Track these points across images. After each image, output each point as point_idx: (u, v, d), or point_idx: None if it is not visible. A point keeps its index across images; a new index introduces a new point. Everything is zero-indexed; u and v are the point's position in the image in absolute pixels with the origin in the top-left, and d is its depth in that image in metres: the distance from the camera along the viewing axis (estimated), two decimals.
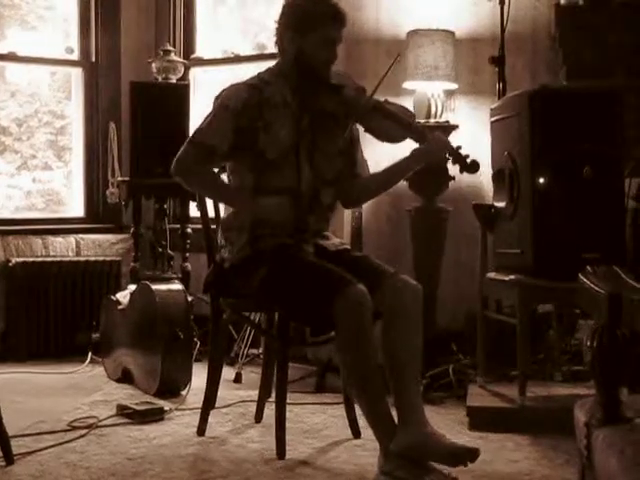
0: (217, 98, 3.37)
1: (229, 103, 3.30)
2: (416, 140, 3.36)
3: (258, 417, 3.77)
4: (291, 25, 3.33)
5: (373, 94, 3.33)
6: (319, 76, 3.32)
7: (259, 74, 3.41)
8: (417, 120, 4.57)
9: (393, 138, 3.40)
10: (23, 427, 3.58)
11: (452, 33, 4.62)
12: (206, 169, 3.35)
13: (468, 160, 3.29)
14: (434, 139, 3.34)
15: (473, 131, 4.72)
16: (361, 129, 3.46)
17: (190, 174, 3.34)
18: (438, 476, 2.92)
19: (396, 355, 3.10)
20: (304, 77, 3.33)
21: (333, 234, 3.53)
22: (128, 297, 4.59)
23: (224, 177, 3.49)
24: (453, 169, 4.29)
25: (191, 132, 3.42)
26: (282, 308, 3.30)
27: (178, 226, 5.24)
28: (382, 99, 3.38)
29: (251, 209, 3.30)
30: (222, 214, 3.55)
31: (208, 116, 3.34)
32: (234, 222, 3.39)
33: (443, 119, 4.66)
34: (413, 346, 3.11)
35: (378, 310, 3.13)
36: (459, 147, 3.31)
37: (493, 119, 4.08)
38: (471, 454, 2.92)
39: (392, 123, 3.33)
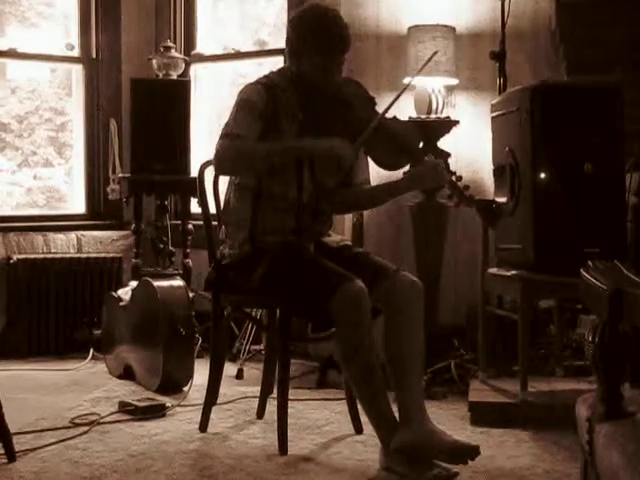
0: (238, 97, 3.31)
1: (253, 99, 3.26)
2: (415, 165, 3.30)
3: (260, 413, 3.77)
4: (296, 41, 3.30)
5: (384, 113, 3.26)
6: (322, 94, 3.29)
7: (271, 75, 3.38)
8: (418, 117, 4.61)
9: (390, 166, 3.35)
10: (25, 424, 3.58)
11: (452, 28, 4.62)
12: (249, 146, 3.21)
13: (466, 193, 3.23)
14: (432, 167, 3.25)
15: (474, 127, 4.73)
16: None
17: (236, 158, 3.23)
18: (439, 472, 2.93)
19: (398, 352, 3.11)
20: (309, 93, 3.31)
21: (334, 230, 3.53)
22: (129, 294, 4.59)
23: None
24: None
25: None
26: (282, 305, 3.30)
27: (179, 222, 5.24)
28: (392, 116, 3.33)
29: (307, 146, 3.24)
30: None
31: (233, 113, 3.27)
32: (233, 217, 3.39)
33: (444, 115, 4.65)
34: (415, 343, 3.12)
35: (379, 307, 3.14)
36: (459, 178, 3.24)
37: (494, 114, 4.08)
38: (472, 452, 2.93)
39: (394, 150, 3.27)
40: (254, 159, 3.25)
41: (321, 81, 3.28)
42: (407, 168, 3.42)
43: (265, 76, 3.38)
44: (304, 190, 3.31)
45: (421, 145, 3.35)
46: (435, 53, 3.37)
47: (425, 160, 3.28)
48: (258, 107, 3.24)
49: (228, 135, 3.22)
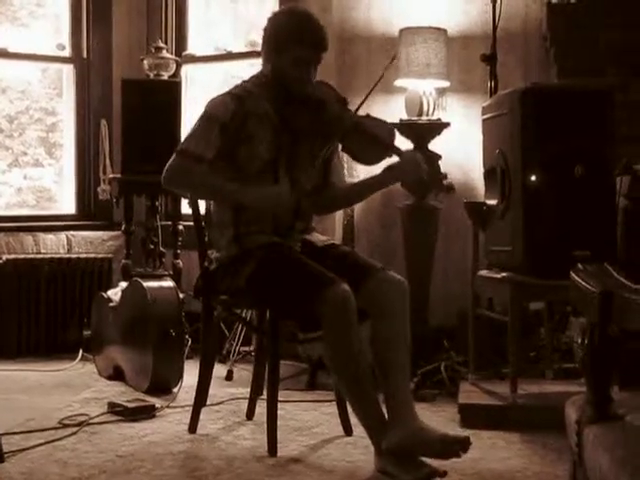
0: (204, 109, 3.36)
1: (216, 113, 3.29)
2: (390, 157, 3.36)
3: (249, 414, 3.77)
4: (269, 41, 3.36)
5: (357, 110, 3.33)
6: (295, 94, 3.32)
7: (243, 83, 3.41)
8: (409, 119, 4.62)
9: (369, 161, 3.40)
10: (13, 425, 3.57)
11: (444, 31, 4.62)
12: (201, 172, 3.27)
13: (445, 182, 3.30)
14: (410, 159, 3.30)
15: (465, 129, 4.73)
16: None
17: (185, 183, 3.32)
18: (428, 471, 2.92)
19: (384, 351, 3.11)
20: (283, 94, 3.34)
21: (325, 232, 3.54)
22: (119, 294, 4.58)
23: None
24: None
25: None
26: (269, 306, 3.32)
27: (170, 223, 5.23)
28: (365, 113, 3.38)
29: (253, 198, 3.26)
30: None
31: (195, 125, 3.33)
32: (215, 221, 3.42)
33: (435, 117, 4.66)
34: (401, 341, 3.12)
35: (365, 306, 3.14)
36: (444, 176, 3.32)
37: (485, 117, 4.08)
38: (462, 444, 2.92)
39: (370, 145, 3.32)
40: (198, 190, 3.39)
41: (294, 80, 3.31)
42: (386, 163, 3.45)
43: (237, 85, 3.42)
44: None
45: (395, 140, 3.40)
46: (393, 58, 3.45)
47: (404, 153, 3.34)
48: (220, 121, 3.27)
49: (184, 153, 3.28)
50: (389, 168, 3.33)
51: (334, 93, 3.42)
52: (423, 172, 3.27)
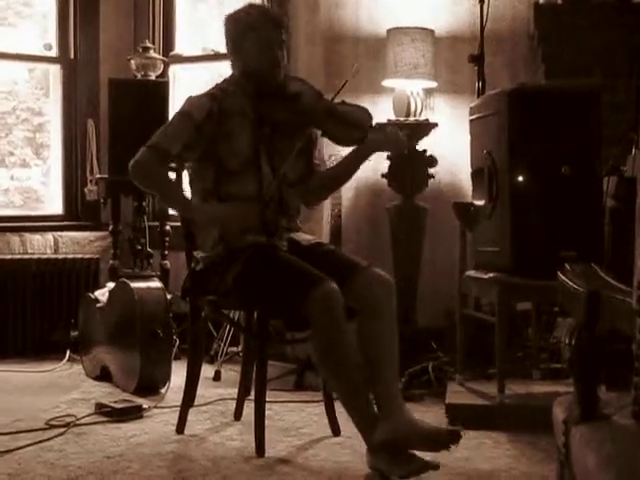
0: (180, 107, 3.42)
1: (192, 112, 3.34)
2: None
3: (237, 415, 3.77)
4: (230, 37, 3.44)
5: (332, 100, 3.36)
6: (269, 84, 3.37)
7: (218, 84, 3.47)
8: (397, 119, 4.62)
9: (349, 142, 3.44)
10: (0, 425, 3.56)
11: (432, 31, 4.63)
12: (162, 173, 3.37)
13: (426, 155, 3.36)
14: (392, 132, 3.39)
15: (452, 129, 4.74)
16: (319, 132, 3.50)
17: (145, 178, 3.36)
18: (420, 464, 2.92)
19: (371, 347, 3.12)
20: (257, 88, 3.38)
21: (312, 233, 3.54)
22: (107, 295, 4.57)
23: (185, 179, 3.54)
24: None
25: None
26: (256, 306, 3.32)
27: (157, 224, 5.22)
28: (340, 100, 3.40)
29: (204, 218, 3.35)
30: None
31: (169, 121, 3.41)
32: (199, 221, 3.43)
33: (422, 117, 4.66)
34: (388, 337, 3.13)
35: (352, 304, 3.14)
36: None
37: (472, 117, 4.09)
38: (453, 436, 2.93)
39: (348, 128, 3.37)
40: (154, 188, 3.46)
41: (266, 64, 3.36)
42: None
43: (213, 87, 3.47)
44: (265, 186, 3.33)
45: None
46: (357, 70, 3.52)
47: (385, 126, 3.40)
48: (194, 119, 3.32)
49: (151, 148, 3.34)
50: (371, 138, 3.37)
51: (308, 86, 3.46)
52: (403, 145, 3.41)
